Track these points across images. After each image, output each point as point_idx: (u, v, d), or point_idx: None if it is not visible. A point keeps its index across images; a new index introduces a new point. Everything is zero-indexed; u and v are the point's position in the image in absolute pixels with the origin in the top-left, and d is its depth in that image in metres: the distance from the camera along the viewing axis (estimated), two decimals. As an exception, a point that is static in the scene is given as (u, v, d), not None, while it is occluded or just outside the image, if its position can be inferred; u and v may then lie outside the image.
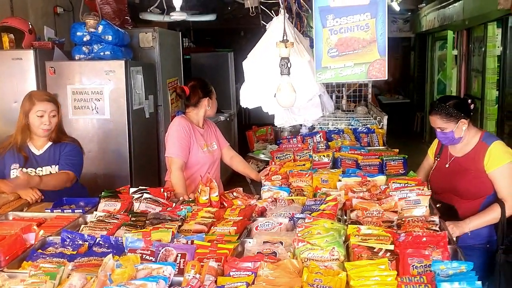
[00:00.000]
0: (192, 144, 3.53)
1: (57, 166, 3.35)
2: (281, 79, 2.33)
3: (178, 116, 3.62)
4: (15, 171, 3.26)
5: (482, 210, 2.98)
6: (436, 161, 3.26)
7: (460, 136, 3.02)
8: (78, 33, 4.76)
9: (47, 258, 2.20)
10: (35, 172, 3.30)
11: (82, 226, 2.59)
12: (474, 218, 2.91)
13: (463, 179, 3.01)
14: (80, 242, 2.35)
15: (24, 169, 3.27)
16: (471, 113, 3.04)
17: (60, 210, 2.92)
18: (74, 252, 2.27)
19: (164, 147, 3.64)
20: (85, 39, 4.75)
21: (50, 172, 3.33)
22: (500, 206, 2.89)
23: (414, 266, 1.97)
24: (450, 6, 8.56)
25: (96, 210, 2.84)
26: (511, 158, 2.92)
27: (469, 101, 3.04)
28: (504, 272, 2.90)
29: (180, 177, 3.39)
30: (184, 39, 9.44)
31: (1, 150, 3.32)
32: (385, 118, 4.88)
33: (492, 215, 2.91)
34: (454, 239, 2.73)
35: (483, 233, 2.98)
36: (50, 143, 3.37)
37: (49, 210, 2.93)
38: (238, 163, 3.94)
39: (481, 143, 3.01)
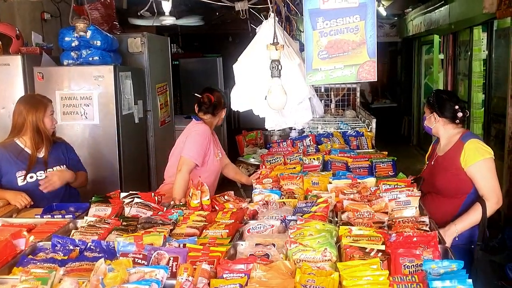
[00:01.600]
0: (209, 152, 3.60)
1: (64, 165, 3.41)
2: (271, 81, 2.34)
3: (199, 122, 3.65)
4: (21, 178, 3.25)
5: (464, 210, 3.01)
6: (427, 163, 3.31)
7: (429, 127, 3.21)
8: (66, 39, 4.75)
9: (38, 263, 2.18)
10: (45, 174, 3.30)
11: (73, 231, 2.58)
12: (459, 221, 2.95)
13: (442, 177, 3.07)
14: (71, 247, 2.34)
15: (32, 174, 3.28)
16: (456, 120, 3.11)
17: (50, 216, 2.90)
18: (65, 257, 2.25)
19: (154, 152, 3.65)
20: (73, 44, 4.73)
21: None
22: (481, 204, 2.93)
23: (406, 266, 1.99)
24: (436, 11, 8.65)
25: (86, 215, 2.83)
26: (485, 155, 2.98)
27: (456, 107, 3.10)
28: (482, 270, 2.93)
29: (187, 180, 3.40)
30: (172, 44, 9.43)
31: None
32: (374, 121, 4.92)
33: (475, 216, 2.94)
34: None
35: (466, 233, 3.00)
36: (49, 144, 3.37)
37: (39, 216, 2.91)
38: (230, 170, 4.01)
39: (459, 141, 3.08)
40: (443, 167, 3.11)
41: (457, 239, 2.93)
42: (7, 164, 3.27)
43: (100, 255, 2.25)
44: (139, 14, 3.33)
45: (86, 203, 3.02)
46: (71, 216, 2.88)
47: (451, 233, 2.91)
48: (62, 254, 2.28)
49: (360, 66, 2.36)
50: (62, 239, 2.38)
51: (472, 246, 3.01)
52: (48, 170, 3.32)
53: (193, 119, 3.71)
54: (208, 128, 3.61)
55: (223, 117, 3.79)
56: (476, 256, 2.96)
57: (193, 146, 3.49)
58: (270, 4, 2.55)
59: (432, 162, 3.23)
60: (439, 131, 3.18)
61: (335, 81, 2.43)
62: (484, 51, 7.17)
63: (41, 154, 3.33)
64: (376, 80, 2.36)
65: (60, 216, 2.90)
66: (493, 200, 2.94)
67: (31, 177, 3.29)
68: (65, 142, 3.57)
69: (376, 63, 2.35)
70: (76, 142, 4.60)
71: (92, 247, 2.33)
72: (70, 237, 2.47)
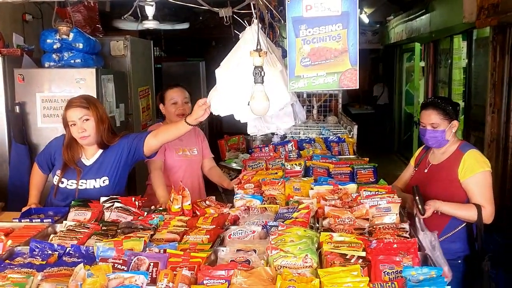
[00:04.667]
0: (166, 148, 3.64)
1: (103, 177, 3.13)
2: (254, 87, 2.35)
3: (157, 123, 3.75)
4: (56, 178, 3.15)
5: (454, 222, 2.96)
6: (415, 169, 3.28)
7: (447, 139, 3.01)
8: (48, 40, 4.69)
9: (15, 268, 2.14)
10: (77, 185, 3.11)
11: (52, 235, 2.55)
12: (449, 204, 2.86)
13: (435, 187, 3.01)
14: (50, 252, 2.32)
15: (64, 179, 3.13)
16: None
17: (28, 220, 2.86)
18: (44, 262, 2.22)
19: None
20: (55, 46, 4.67)
21: (94, 186, 3.12)
22: (477, 208, 2.84)
23: (386, 272, 2.00)
24: (417, 19, 8.77)
25: (65, 219, 2.80)
26: (485, 167, 2.91)
27: (458, 107, 3.04)
28: (494, 281, 2.89)
29: (159, 176, 3.51)
30: (155, 48, 9.41)
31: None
32: (355, 127, 4.95)
33: (466, 211, 2.86)
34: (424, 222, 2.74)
35: (455, 248, 2.97)
36: (100, 151, 3.16)
37: (17, 220, 2.87)
38: (214, 173, 4.01)
39: (458, 151, 3.00)
40: (437, 177, 3.03)
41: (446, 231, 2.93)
42: (59, 158, 3.17)
43: (79, 260, 2.22)
44: (122, 18, 3.31)
45: (65, 207, 2.98)
46: (49, 220, 2.84)
47: (434, 206, 2.81)
48: (40, 259, 2.25)
49: (342, 74, 2.38)
50: (41, 244, 2.35)
51: (459, 262, 2.97)
52: (80, 181, 3.12)
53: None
54: (155, 127, 3.64)
55: (166, 111, 3.81)
56: (486, 268, 2.86)
57: None
58: (254, 10, 2.56)
59: (426, 170, 3.15)
60: (451, 140, 3.03)
61: (317, 88, 2.45)
62: (464, 59, 7.28)
63: (88, 162, 3.15)
64: (357, 87, 2.39)
65: (39, 220, 2.85)
66: (488, 211, 2.85)
67: (62, 183, 3.14)
68: (121, 137, 3.22)
69: (358, 71, 2.37)
70: (56, 145, 4.55)
71: (71, 252, 2.31)
72: (49, 241, 2.43)
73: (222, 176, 4.01)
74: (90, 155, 3.17)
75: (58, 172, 3.14)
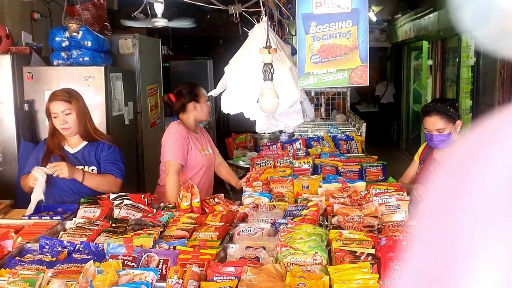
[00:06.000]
0: (190, 148, 3.58)
1: (91, 167, 3.26)
2: (264, 84, 2.35)
3: (173, 122, 3.67)
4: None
5: None
6: (421, 166, 3.28)
7: (454, 140, 3.03)
8: (57, 39, 4.70)
9: (26, 265, 2.15)
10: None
11: (61, 232, 2.56)
12: None
13: None
14: (59, 249, 2.32)
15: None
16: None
17: (37, 217, 2.87)
18: (53, 259, 2.23)
19: (143, 153, 3.63)
20: (64, 44, 4.68)
21: None
22: None
23: (396, 270, 1.99)
24: (425, 17, 8.73)
25: (75, 216, 2.81)
26: None
27: (456, 104, 3.08)
28: None
29: (176, 181, 3.40)
30: (162, 46, 9.43)
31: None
32: (364, 125, 4.94)
33: None
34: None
35: None
36: (85, 142, 3.29)
37: (27, 217, 2.88)
38: (222, 169, 3.99)
39: None
40: None
41: None
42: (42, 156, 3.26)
43: (89, 257, 2.23)
44: (132, 16, 3.31)
45: (75, 205, 2.99)
46: (59, 217, 2.85)
47: None
48: (50, 256, 2.25)
49: (352, 71, 2.37)
50: (50, 241, 2.36)
51: None
52: None
53: (173, 120, 3.76)
54: (180, 126, 3.59)
55: (197, 109, 3.69)
56: None
57: (171, 147, 3.50)
58: (263, 7, 2.55)
59: (432, 167, 3.15)
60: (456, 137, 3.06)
61: (327, 85, 2.44)
62: (472, 57, 7.24)
63: (72, 150, 3.27)
64: (368, 84, 2.37)
65: (48, 217, 2.87)
66: None
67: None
68: (111, 143, 3.36)
69: (368, 68, 2.36)
70: (65, 143, 4.56)
71: (80, 248, 2.31)
72: (59, 238, 2.44)
73: (230, 173, 4.00)
74: (74, 145, 3.29)
75: (43, 164, 3.18)
